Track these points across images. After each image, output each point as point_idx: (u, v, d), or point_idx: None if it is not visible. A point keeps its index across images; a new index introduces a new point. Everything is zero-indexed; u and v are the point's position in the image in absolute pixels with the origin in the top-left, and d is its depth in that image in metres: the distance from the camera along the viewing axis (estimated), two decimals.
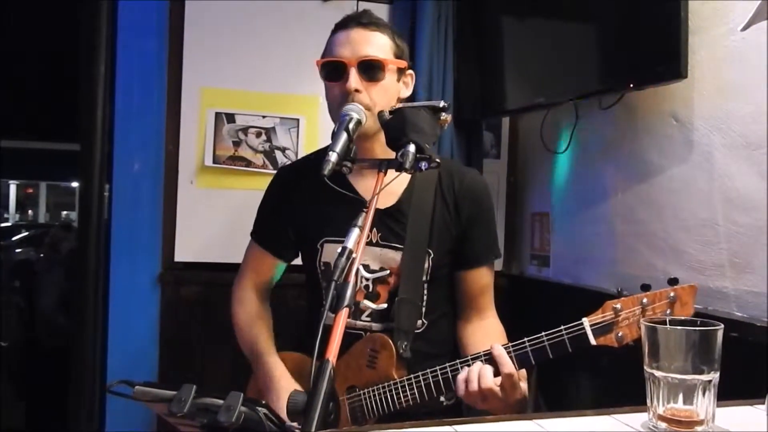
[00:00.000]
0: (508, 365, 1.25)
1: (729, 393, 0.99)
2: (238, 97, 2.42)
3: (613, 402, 1.09)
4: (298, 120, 2.44)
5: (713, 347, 0.89)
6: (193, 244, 2.40)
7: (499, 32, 2.39)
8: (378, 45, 1.45)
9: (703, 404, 0.89)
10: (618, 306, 1.22)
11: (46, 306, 4.60)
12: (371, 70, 1.42)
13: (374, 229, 1.47)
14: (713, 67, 1.73)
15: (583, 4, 2.05)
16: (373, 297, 1.48)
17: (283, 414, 1.38)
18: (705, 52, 1.75)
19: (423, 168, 1.15)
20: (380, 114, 1.25)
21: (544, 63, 2.20)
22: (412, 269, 1.47)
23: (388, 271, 1.48)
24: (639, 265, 1.97)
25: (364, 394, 1.41)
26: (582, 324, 1.23)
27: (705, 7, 1.74)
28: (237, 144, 2.41)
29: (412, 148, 1.14)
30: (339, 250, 1.00)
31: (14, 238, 7.44)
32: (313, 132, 2.43)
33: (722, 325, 0.90)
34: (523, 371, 1.29)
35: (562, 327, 1.25)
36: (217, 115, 2.40)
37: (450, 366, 1.33)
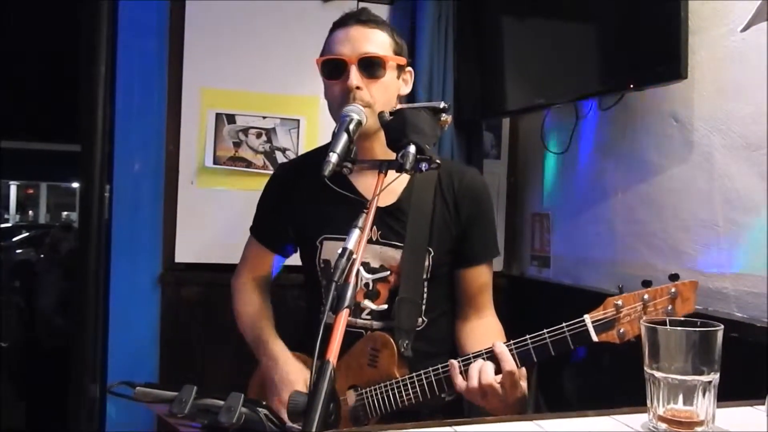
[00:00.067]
0: (509, 362, 1.25)
1: (729, 394, 0.99)
2: (239, 97, 2.42)
3: (613, 402, 1.09)
4: (298, 121, 2.45)
5: (713, 348, 0.89)
6: (194, 245, 2.40)
7: (500, 32, 2.39)
8: (377, 42, 1.45)
9: (703, 405, 0.89)
10: (619, 302, 1.22)
11: (47, 306, 4.60)
12: (371, 67, 1.42)
13: (374, 227, 1.47)
14: (713, 68, 1.73)
15: (583, 4, 2.05)
16: (373, 295, 1.48)
17: (290, 390, 1.39)
18: (705, 53, 1.75)
19: (423, 169, 1.15)
20: (380, 115, 1.25)
21: (545, 63, 2.20)
22: (412, 268, 1.47)
23: (388, 270, 1.48)
24: (639, 266, 1.98)
25: (366, 393, 1.41)
26: (584, 320, 1.24)
27: (705, 7, 1.74)
28: (237, 145, 2.41)
29: (412, 149, 1.14)
30: (339, 250, 1.00)
31: (15, 239, 7.45)
32: (314, 132, 2.43)
33: (722, 326, 0.90)
34: (523, 370, 1.29)
35: (564, 324, 1.25)
36: (218, 115, 2.40)
37: (451, 361, 1.33)
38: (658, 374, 0.90)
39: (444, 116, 1.24)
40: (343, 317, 0.92)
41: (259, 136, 2.42)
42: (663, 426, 0.91)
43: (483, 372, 1.26)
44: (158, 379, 2.36)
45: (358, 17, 1.47)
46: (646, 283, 1.22)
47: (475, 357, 1.30)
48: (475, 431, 1.00)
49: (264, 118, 2.43)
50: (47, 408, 3.62)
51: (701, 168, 1.77)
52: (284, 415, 1.39)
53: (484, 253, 1.56)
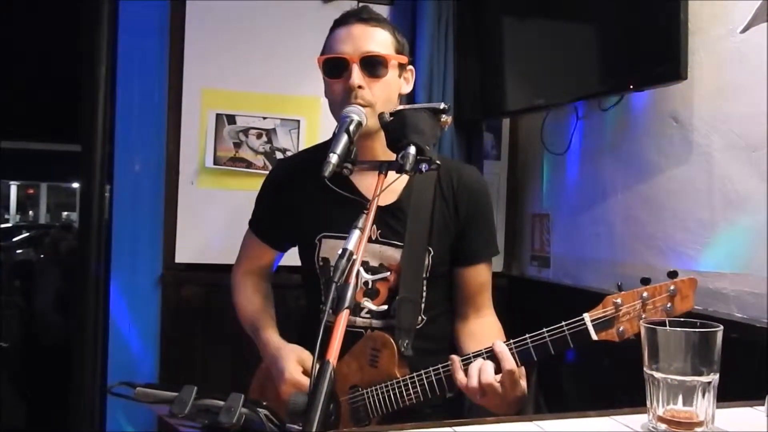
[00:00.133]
0: (509, 361, 1.26)
1: (729, 394, 0.99)
2: (239, 98, 2.43)
3: (613, 402, 1.09)
4: (298, 121, 2.45)
5: (713, 349, 0.89)
6: (194, 245, 2.40)
7: (500, 33, 2.40)
8: (379, 40, 1.44)
9: (703, 405, 0.89)
10: (618, 301, 1.22)
11: (47, 306, 4.60)
12: (373, 66, 1.42)
13: (374, 226, 1.47)
14: (713, 69, 1.74)
15: (583, 5, 2.06)
16: (373, 294, 1.48)
17: (297, 376, 1.39)
18: (704, 53, 1.75)
19: (423, 170, 1.15)
20: (381, 115, 1.25)
21: (545, 64, 2.20)
22: (412, 267, 1.47)
23: (387, 269, 1.48)
24: (639, 266, 1.98)
25: (367, 393, 1.41)
26: (583, 319, 1.24)
27: (704, 8, 1.75)
28: (238, 145, 2.42)
29: (412, 149, 1.14)
30: (339, 250, 1.00)
31: (15, 239, 7.45)
32: (314, 133, 2.43)
33: (722, 327, 0.90)
34: (523, 369, 1.29)
35: (563, 323, 1.25)
36: (218, 116, 2.40)
37: (452, 358, 1.33)
38: (657, 375, 0.90)
39: (444, 117, 1.23)
40: (344, 318, 0.92)
41: (259, 136, 2.43)
42: (663, 426, 0.91)
43: (483, 371, 1.26)
44: (158, 379, 2.36)
45: (360, 15, 1.46)
46: (645, 281, 1.22)
47: (475, 356, 1.30)
48: (474, 431, 1.00)
49: (264, 118, 2.44)
50: (47, 408, 3.62)
51: (701, 168, 1.77)
52: (282, 389, 1.40)
53: (483, 252, 1.56)
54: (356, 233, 1.03)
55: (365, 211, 1.08)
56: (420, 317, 1.50)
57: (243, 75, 2.43)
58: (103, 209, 2.21)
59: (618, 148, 2.11)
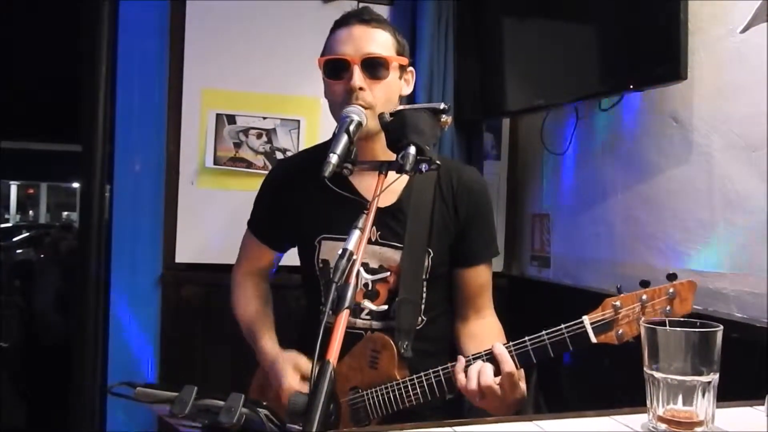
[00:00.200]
0: (508, 363, 1.26)
1: (729, 394, 0.99)
2: (239, 98, 2.43)
3: (613, 402, 1.09)
4: (298, 121, 2.45)
5: (713, 348, 0.90)
6: (194, 245, 2.40)
7: (500, 33, 2.40)
8: (380, 42, 1.44)
9: (703, 405, 0.90)
10: (618, 303, 1.22)
11: (47, 306, 4.60)
12: (375, 67, 1.41)
13: (373, 228, 1.46)
14: (713, 69, 1.74)
15: (583, 5, 2.06)
16: (373, 296, 1.48)
17: (293, 385, 1.39)
18: (704, 54, 1.75)
19: (423, 170, 1.15)
20: (381, 116, 1.25)
21: (545, 64, 2.20)
22: (411, 268, 1.47)
23: (387, 270, 1.48)
24: (639, 266, 1.98)
25: (367, 394, 1.41)
26: (582, 322, 1.24)
27: (704, 8, 1.75)
28: (238, 145, 2.42)
29: (412, 149, 1.14)
30: (339, 251, 1.00)
31: (15, 239, 7.45)
32: (314, 133, 2.43)
33: (721, 327, 0.90)
34: (522, 371, 1.29)
35: (563, 325, 1.25)
36: (218, 116, 2.41)
37: (452, 365, 1.33)
38: (657, 375, 0.90)
39: (444, 117, 1.23)
40: (344, 318, 0.92)
41: (259, 136, 2.43)
42: (663, 426, 0.91)
43: (482, 373, 1.26)
44: (158, 379, 2.37)
45: (361, 16, 1.45)
46: (644, 284, 1.22)
47: (474, 359, 1.31)
48: (474, 431, 1.00)
49: (264, 118, 2.44)
50: (47, 408, 3.62)
51: (701, 168, 1.77)
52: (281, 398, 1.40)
53: (483, 253, 1.56)
54: (356, 233, 1.03)
55: (365, 212, 1.08)
56: (420, 318, 1.50)
57: (243, 75, 2.43)
58: (103, 209, 2.21)
59: (618, 148, 2.11)
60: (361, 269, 1.47)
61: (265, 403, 0.93)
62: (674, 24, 1.69)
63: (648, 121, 1.96)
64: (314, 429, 0.81)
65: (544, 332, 1.26)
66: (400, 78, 1.49)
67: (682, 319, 0.94)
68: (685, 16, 1.69)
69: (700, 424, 0.90)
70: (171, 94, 2.41)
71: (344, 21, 1.46)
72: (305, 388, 1.37)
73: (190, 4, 2.40)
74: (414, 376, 1.36)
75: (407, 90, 1.52)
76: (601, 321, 1.23)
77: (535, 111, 2.37)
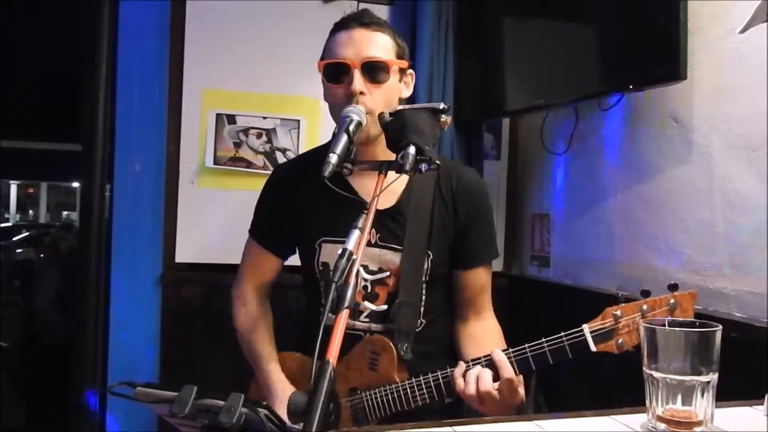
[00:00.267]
0: (508, 370, 1.26)
1: (728, 393, 0.99)
2: (239, 98, 2.43)
3: (613, 402, 1.09)
4: (298, 121, 2.45)
5: (712, 348, 0.90)
6: (194, 245, 2.40)
7: (500, 33, 2.40)
8: (380, 45, 1.43)
9: (702, 405, 0.90)
10: (618, 313, 1.22)
11: (47, 306, 4.60)
12: (375, 71, 1.41)
13: (373, 230, 1.46)
14: (712, 69, 1.74)
15: (583, 5, 2.06)
16: (372, 298, 1.48)
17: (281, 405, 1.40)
18: (704, 54, 1.75)
19: (423, 170, 1.15)
20: (380, 116, 1.25)
21: (545, 64, 2.20)
22: (411, 270, 1.47)
23: (387, 273, 1.48)
24: (638, 266, 1.98)
25: (366, 395, 1.41)
26: (582, 331, 1.24)
27: (704, 8, 1.75)
28: (238, 145, 2.42)
29: (412, 149, 1.14)
30: (339, 251, 1.00)
31: (15, 238, 7.45)
32: (314, 133, 2.43)
33: (721, 327, 0.90)
34: (521, 377, 1.29)
35: (563, 333, 1.25)
36: (218, 116, 2.41)
37: (451, 370, 1.34)
38: (656, 374, 0.91)
39: (444, 117, 1.23)
40: (343, 317, 0.93)
41: (259, 136, 2.43)
42: (662, 426, 0.91)
43: (481, 379, 1.27)
44: (158, 378, 2.37)
45: (361, 19, 1.45)
46: (645, 293, 1.22)
47: (474, 364, 1.31)
48: (473, 431, 1.00)
49: (264, 118, 2.44)
50: (47, 408, 3.62)
51: (701, 168, 1.77)
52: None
53: (483, 255, 1.56)
54: (356, 233, 1.03)
55: (365, 212, 1.08)
56: (419, 321, 1.50)
57: (243, 75, 2.43)
58: (103, 209, 2.22)
59: (618, 148, 2.11)
60: (361, 270, 1.47)
61: (264, 403, 0.93)
62: (674, 24, 1.69)
63: (648, 122, 1.96)
64: (314, 429, 0.81)
65: (543, 340, 1.26)
66: (400, 81, 1.49)
67: (681, 319, 0.94)
68: (684, 16, 1.69)
69: (699, 423, 0.90)
70: (171, 94, 2.40)
71: (344, 24, 1.46)
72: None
73: (190, 4, 2.40)
74: (413, 380, 1.36)
75: (407, 93, 1.52)
76: (601, 330, 1.23)
77: (535, 111, 2.37)
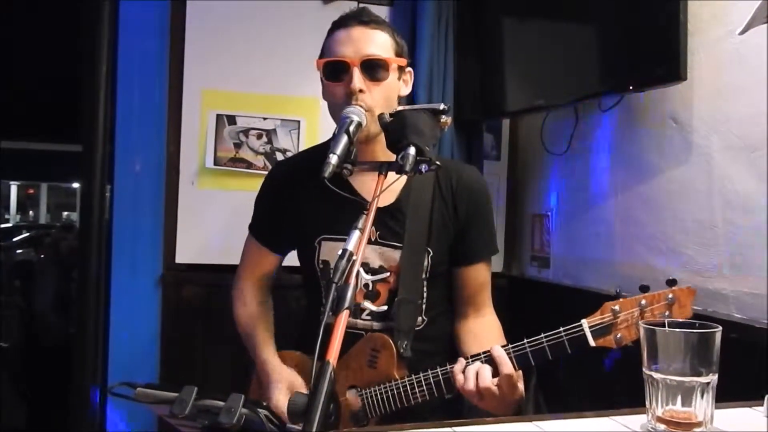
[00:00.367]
0: (507, 366, 1.26)
1: (728, 394, 0.99)
2: (239, 98, 2.43)
3: (613, 403, 1.09)
4: (299, 122, 2.45)
5: (711, 349, 0.90)
6: (194, 245, 2.41)
7: (500, 33, 2.40)
8: (379, 43, 1.44)
9: (702, 406, 0.90)
10: (616, 308, 1.23)
11: (47, 306, 4.60)
12: (374, 69, 1.41)
13: (372, 228, 1.46)
14: (712, 69, 1.74)
15: (583, 6, 2.06)
16: (373, 296, 1.48)
17: (282, 406, 1.40)
18: (704, 54, 1.76)
19: (423, 170, 1.15)
20: (380, 116, 1.25)
21: (545, 64, 2.20)
22: (411, 268, 1.47)
23: (387, 270, 1.48)
24: (638, 267, 1.98)
25: (366, 393, 1.41)
26: (581, 325, 1.24)
27: (704, 9, 1.75)
28: (238, 146, 2.42)
29: (412, 150, 1.14)
30: (339, 252, 1.00)
31: (15, 239, 7.44)
32: (314, 133, 2.43)
33: (720, 328, 0.90)
34: (520, 373, 1.29)
35: (561, 328, 1.25)
36: (218, 116, 2.41)
37: (451, 367, 1.34)
38: (656, 375, 0.91)
39: (444, 118, 1.24)
40: (344, 318, 0.93)
41: (259, 137, 2.43)
42: (662, 427, 0.91)
43: (480, 375, 1.27)
44: (158, 379, 2.37)
45: (360, 18, 1.45)
46: (644, 288, 1.23)
47: (473, 360, 1.31)
48: (474, 431, 1.00)
49: (264, 119, 2.44)
50: (47, 408, 3.62)
51: (700, 169, 1.77)
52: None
53: (483, 252, 1.56)
54: (356, 234, 1.03)
55: (365, 212, 1.08)
56: (420, 318, 1.50)
57: (243, 75, 2.43)
58: (103, 209, 2.21)
59: (618, 148, 2.11)
60: (361, 270, 1.47)
61: (264, 404, 0.94)
62: (674, 24, 1.69)
63: (647, 122, 1.96)
64: (314, 429, 0.81)
65: (542, 335, 1.26)
66: (399, 79, 1.49)
67: (681, 320, 0.94)
68: (684, 17, 1.69)
69: (699, 424, 0.90)
70: (171, 95, 2.41)
71: (343, 22, 1.46)
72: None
73: (191, 4, 2.40)
74: (413, 376, 1.37)
75: (406, 91, 1.53)
76: (600, 325, 1.23)
77: (535, 111, 2.37)
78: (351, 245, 1.00)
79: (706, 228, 1.75)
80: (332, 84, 1.44)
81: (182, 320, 2.39)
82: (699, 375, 0.89)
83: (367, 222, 1.06)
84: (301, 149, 2.42)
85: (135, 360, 2.34)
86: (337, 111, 1.39)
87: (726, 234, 1.70)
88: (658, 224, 1.92)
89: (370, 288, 1.48)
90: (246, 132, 2.43)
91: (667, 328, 0.92)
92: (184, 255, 2.41)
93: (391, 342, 1.42)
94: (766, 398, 1.05)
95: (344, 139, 1.18)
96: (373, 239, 1.47)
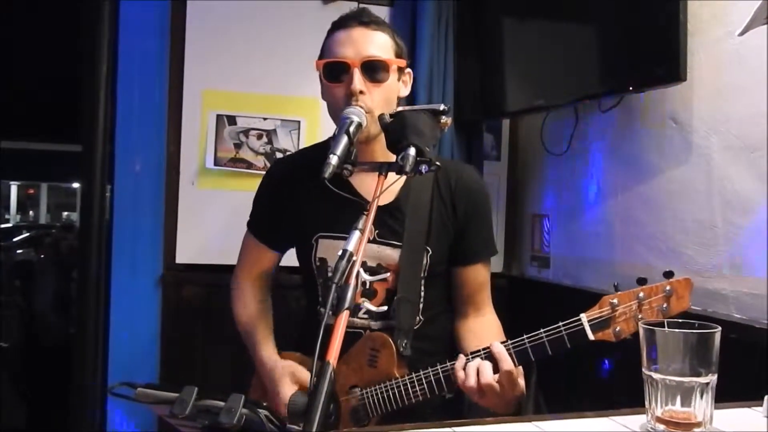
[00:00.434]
0: (507, 362, 1.26)
1: (727, 395, 1.00)
2: (239, 99, 2.43)
3: (612, 403, 1.09)
4: (299, 122, 2.45)
5: (711, 350, 0.90)
6: (194, 246, 2.41)
7: (500, 34, 2.40)
8: (380, 44, 1.44)
9: (701, 406, 0.90)
10: (615, 301, 1.22)
11: (47, 307, 4.60)
12: (375, 70, 1.41)
13: (372, 226, 1.47)
14: (712, 70, 1.74)
15: (583, 6, 2.06)
16: (371, 295, 1.49)
17: (284, 397, 1.39)
18: (704, 55, 1.76)
19: (423, 171, 1.15)
20: (381, 117, 1.25)
21: (545, 65, 2.20)
22: (410, 267, 1.48)
23: (386, 269, 1.48)
24: (638, 267, 1.98)
25: (366, 393, 1.41)
26: (580, 320, 1.24)
27: (704, 9, 1.75)
28: (238, 146, 2.42)
29: (412, 151, 1.14)
30: (339, 252, 1.00)
31: (15, 239, 7.44)
32: (314, 134, 2.43)
33: (719, 328, 0.91)
34: (520, 369, 1.30)
35: (561, 323, 1.25)
36: (219, 117, 2.41)
37: (451, 364, 1.34)
38: (656, 376, 0.91)
39: (444, 118, 1.24)
40: (344, 319, 0.93)
41: (259, 137, 2.43)
42: (661, 427, 0.91)
43: (481, 371, 1.27)
44: (158, 379, 2.37)
45: (360, 18, 1.45)
46: (641, 281, 1.23)
47: (473, 356, 1.31)
48: (474, 431, 1.00)
49: (265, 119, 2.44)
50: (47, 408, 3.63)
51: (700, 169, 1.77)
52: (280, 411, 1.41)
53: (482, 252, 1.56)
54: (356, 234, 1.03)
55: (365, 212, 1.08)
56: (419, 318, 1.50)
57: (243, 76, 2.44)
58: (103, 209, 2.21)
59: (617, 148, 2.11)
60: (361, 269, 1.47)
61: (265, 404, 0.94)
62: (674, 25, 1.69)
63: (647, 122, 1.96)
64: (314, 429, 0.81)
65: (542, 330, 1.26)
66: (399, 80, 1.49)
67: (680, 320, 0.94)
68: (684, 17, 1.69)
69: (698, 425, 0.90)
70: (171, 95, 2.41)
71: (343, 23, 1.46)
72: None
73: (191, 4, 2.40)
74: (413, 374, 1.37)
75: (405, 92, 1.53)
76: (599, 318, 1.23)
77: (535, 111, 2.37)
78: (351, 246, 1.01)
79: (706, 228, 1.75)
80: (332, 85, 1.43)
81: (182, 320, 2.39)
82: (698, 375, 0.89)
83: (367, 223, 1.06)
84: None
85: (135, 360, 2.35)
86: (336, 112, 1.39)
87: (726, 234, 1.70)
88: (658, 224, 1.92)
89: (368, 287, 1.49)
90: (246, 132, 2.43)
91: (666, 329, 0.92)
92: (184, 255, 2.41)
93: (391, 341, 1.42)
94: (765, 398, 1.05)
95: (344, 139, 1.18)
96: (371, 238, 1.47)
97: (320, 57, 1.48)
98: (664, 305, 1.20)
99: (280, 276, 1.73)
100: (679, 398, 0.90)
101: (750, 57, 1.62)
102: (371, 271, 1.49)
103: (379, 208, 1.41)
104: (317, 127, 2.43)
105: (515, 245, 2.72)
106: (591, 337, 1.23)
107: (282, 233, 1.61)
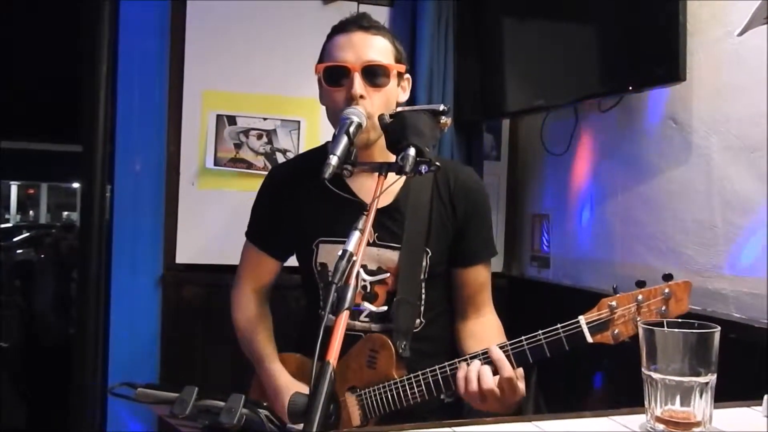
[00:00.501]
0: (507, 368, 1.26)
1: (727, 394, 1.00)
2: (239, 99, 2.43)
3: (614, 403, 1.09)
4: (299, 122, 2.45)
5: (710, 349, 0.90)
6: (194, 246, 2.41)
7: (500, 34, 2.40)
8: (380, 49, 1.44)
9: (701, 406, 0.90)
10: (613, 303, 1.23)
11: (47, 306, 4.60)
12: (375, 75, 1.41)
13: (371, 230, 1.46)
14: (712, 70, 1.74)
15: (583, 6, 2.06)
16: (371, 298, 1.49)
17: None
18: (703, 55, 1.76)
19: (423, 171, 1.15)
20: (381, 117, 1.25)
21: (545, 65, 2.21)
22: (409, 269, 1.47)
23: (385, 272, 1.48)
24: (638, 267, 1.98)
25: (365, 394, 1.41)
26: (578, 322, 1.24)
27: (703, 9, 1.75)
28: (238, 146, 2.42)
29: (412, 151, 1.14)
30: (339, 252, 1.00)
31: (15, 239, 7.44)
32: (314, 134, 2.44)
33: (719, 328, 0.91)
34: (521, 371, 1.29)
35: (559, 325, 1.25)
36: (219, 117, 2.41)
37: (449, 365, 1.34)
38: (655, 375, 0.91)
39: (444, 118, 1.24)
40: (344, 319, 0.93)
41: (259, 137, 2.43)
42: (660, 427, 0.91)
43: (482, 377, 1.27)
44: (158, 379, 2.37)
45: (360, 23, 1.45)
46: (640, 284, 1.23)
47: (471, 358, 1.31)
48: (474, 431, 1.00)
49: (265, 119, 2.44)
50: (47, 408, 3.63)
51: (700, 169, 1.77)
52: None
53: (482, 253, 1.56)
54: (356, 234, 1.03)
55: (365, 213, 1.08)
56: (419, 320, 1.50)
57: (243, 76, 2.44)
58: (103, 209, 2.21)
59: (617, 149, 2.11)
60: (361, 270, 1.47)
61: (265, 404, 0.94)
62: (673, 25, 1.69)
63: (647, 122, 1.96)
64: (314, 429, 0.81)
65: (540, 332, 1.26)
66: (398, 85, 1.49)
67: (680, 320, 0.95)
68: (684, 17, 1.69)
69: (697, 424, 0.90)
70: (171, 95, 2.41)
71: (343, 27, 1.45)
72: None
73: (191, 4, 2.41)
74: (411, 375, 1.37)
75: (404, 97, 1.52)
76: (597, 321, 1.23)
77: (535, 112, 2.37)
78: (351, 246, 1.00)
79: (706, 228, 1.75)
80: (332, 89, 1.43)
81: (182, 320, 2.39)
82: (698, 375, 0.89)
83: (366, 223, 1.06)
84: (301, 149, 2.43)
85: (135, 360, 2.35)
86: (336, 116, 1.38)
87: (726, 234, 1.70)
88: (657, 224, 1.92)
89: (368, 289, 1.48)
90: (246, 132, 2.43)
91: (665, 329, 0.92)
92: (184, 255, 2.41)
93: (390, 342, 1.42)
94: (765, 398, 1.05)
95: (344, 139, 1.18)
96: (371, 241, 1.46)
97: (320, 61, 1.48)
98: (663, 308, 1.20)
99: (281, 276, 1.73)
100: (678, 398, 0.90)
101: (749, 57, 1.62)
102: (371, 273, 1.48)
103: (378, 210, 1.41)
104: (317, 127, 2.43)
105: (515, 245, 2.72)
106: (589, 339, 1.23)
107: (282, 237, 1.60)
